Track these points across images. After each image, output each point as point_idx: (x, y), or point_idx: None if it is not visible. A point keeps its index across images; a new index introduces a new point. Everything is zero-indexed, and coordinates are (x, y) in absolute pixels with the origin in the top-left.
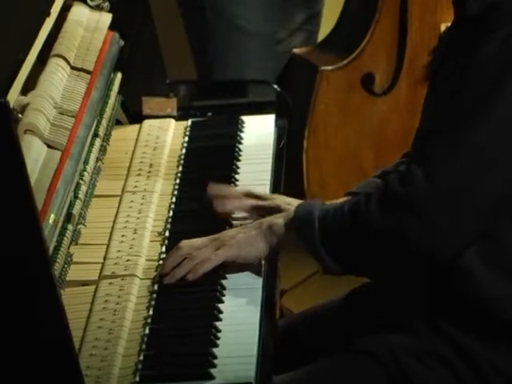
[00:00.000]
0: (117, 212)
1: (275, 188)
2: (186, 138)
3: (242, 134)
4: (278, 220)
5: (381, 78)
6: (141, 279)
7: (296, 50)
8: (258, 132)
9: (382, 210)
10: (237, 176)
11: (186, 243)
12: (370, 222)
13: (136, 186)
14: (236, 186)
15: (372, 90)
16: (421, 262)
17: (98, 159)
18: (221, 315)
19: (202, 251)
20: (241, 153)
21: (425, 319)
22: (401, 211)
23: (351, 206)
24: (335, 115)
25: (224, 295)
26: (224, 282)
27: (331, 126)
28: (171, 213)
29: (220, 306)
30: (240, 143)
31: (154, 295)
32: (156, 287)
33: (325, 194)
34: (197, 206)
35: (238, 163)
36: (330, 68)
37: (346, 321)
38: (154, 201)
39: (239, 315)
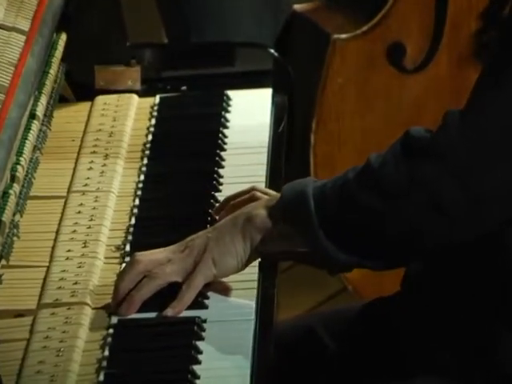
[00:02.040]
0: (61, 219)
1: (273, 188)
2: (153, 121)
3: (227, 115)
4: (259, 210)
5: (413, 50)
6: (93, 309)
7: (297, 7)
8: (249, 112)
9: (404, 161)
10: (221, 171)
11: (143, 256)
12: (387, 181)
13: (86, 185)
14: (219, 185)
15: (401, 66)
16: (458, 221)
17: (35, 148)
18: (199, 356)
19: (166, 268)
20: (226, 140)
21: (455, 354)
22: (429, 157)
23: (359, 170)
24: (352, 99)
25: (204, 329)
26: (203, 312)
27: (347, 114)
28: (133, 220)
29: (199, 343)
30: (225, 127)
31: (111, 330)
32: (113, 320)
33: None
34: (166, 211)
35: (222, 154)
36: (345, 37)
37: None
38: (111, 204)
39: (224, 357)
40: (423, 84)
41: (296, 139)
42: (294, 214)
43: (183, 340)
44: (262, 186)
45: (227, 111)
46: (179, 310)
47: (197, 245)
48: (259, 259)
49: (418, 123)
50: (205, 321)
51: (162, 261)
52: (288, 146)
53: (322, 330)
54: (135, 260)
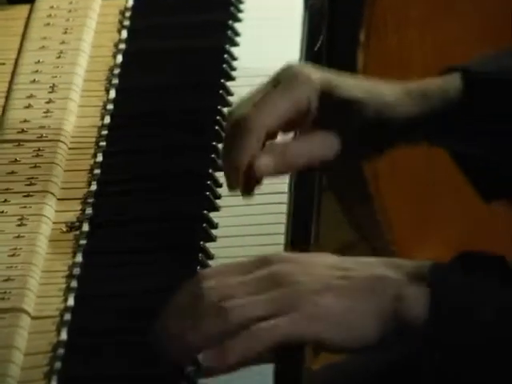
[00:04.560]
0: None
1: None
2: (124, 33)
3: (236, 25)
4: (411, 289)
5: None
6: (33, 318)
7: None
8: (269, 20)
9: None
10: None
11: (210, 272)
12: None
13: (23, 131)
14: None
15: None
16: None
17: None
18: None
19: (245, 302)
20: (235, 64)
21: None
22: None
23: None
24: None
25: None
26: None
27: (412, 21)
28: (93, 185)
29: None
30: (233, 43)
31: (60, 351)
32: (62, 335)
33: (395, 155)
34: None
35: (229, 85)
36: None
37: None
38: (59, 159)
39: None
40: None
41: (339, 59)
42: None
43: None
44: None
45: (236, 19)
46: (218, 370)
47: (308, 283)
48: None
49: None
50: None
51: (236, 290)
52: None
53: None
54: (201, 277)
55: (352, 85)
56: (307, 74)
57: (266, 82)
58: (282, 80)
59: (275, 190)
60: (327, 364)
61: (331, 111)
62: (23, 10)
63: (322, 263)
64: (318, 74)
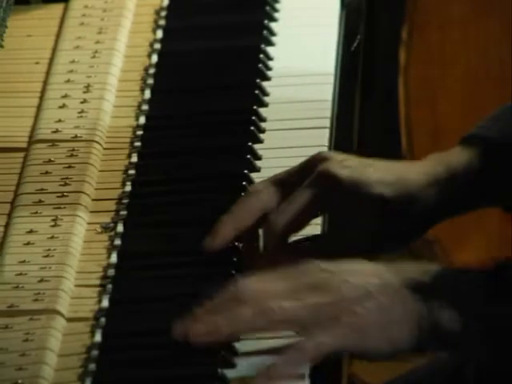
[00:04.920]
0: (19, 179)
1: (341, 143)
2: (159, 33)
3: (272, 25)
4: (447, 309)
5: None
6: (68, 320)
7: None
8: (305, 18)
9: None
10: (262, 124)
11: (250, 284)
12: None
13: (57, 131)
14: (259, 133)
15: None
16: None
17: None
18: None
19: (288, 306)
20: (270, 64)
21: None
22: None
23: None
24: None
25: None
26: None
27: (456, 19)
28: (127, 186)
29: None
30: (268, 42)
31: (94, 353)
32: (97, 337)
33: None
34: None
35: (264, 85)
36: None
37: None
38: (93, 161)
39: None
40: None
41: (378, 59)
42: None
43: None
44: (324, 145)
45: (272, 18)
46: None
47: (346, 293)
48: None
49: None
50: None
51: (279, 299)
52: (366, 71)
53: None
54: (239, 287)
55: (377, 179)
56: (333, 173)
57: (293, 170)
58: (308, 174)
59: None
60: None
61: (353, 204)
62: (57, 9)
63: (359, 271)
64: (345, 172)
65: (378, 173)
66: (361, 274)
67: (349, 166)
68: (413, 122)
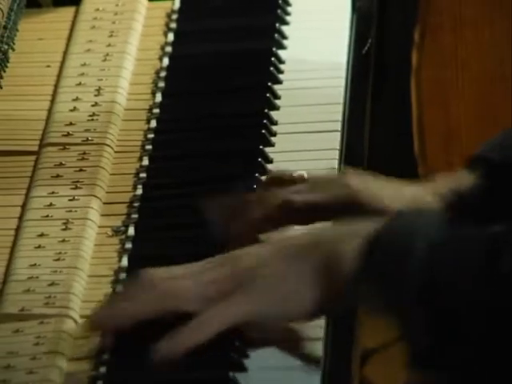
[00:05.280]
0: (30, 183)
1: (353, 149)
2: (170, 36)
3: (283, 28)
4: (348, 244)
5: None
6: (77, 323)
7: None
8: (316, 21)
9: None
10: (274, 127)
11: (154, 273)
12: None
13: (69, 134)
14: (271, 136)
15: None
16: None
17: None
18: None
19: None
20: (281, 67)
21: None
22: None
23: (489, 242)
24: None
25: None
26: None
27: (469, 21)
28: (139, 189)
29: None
30: (280, 45)
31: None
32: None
33: (452, 157)
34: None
35: (276, 88)
36: None
37: None
38: (105, 160)
39: None
40: None
41: (390, 62)
42: (386, 273)
43: None
44: (335, 148)
45: (283, 22)
46: (168, 350)
47: (243, 267)
48: None
49: None
50: (245, 368)
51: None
52: (378, 73)
53: None
54: (143, 276)
55: (387, 200)
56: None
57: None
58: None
59: None
60: None
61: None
62: (69, 12)
63: (261, 245)
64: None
65: (390, 197)
66: (262, 246)
67: (366, 188)
68: (425, 125)
